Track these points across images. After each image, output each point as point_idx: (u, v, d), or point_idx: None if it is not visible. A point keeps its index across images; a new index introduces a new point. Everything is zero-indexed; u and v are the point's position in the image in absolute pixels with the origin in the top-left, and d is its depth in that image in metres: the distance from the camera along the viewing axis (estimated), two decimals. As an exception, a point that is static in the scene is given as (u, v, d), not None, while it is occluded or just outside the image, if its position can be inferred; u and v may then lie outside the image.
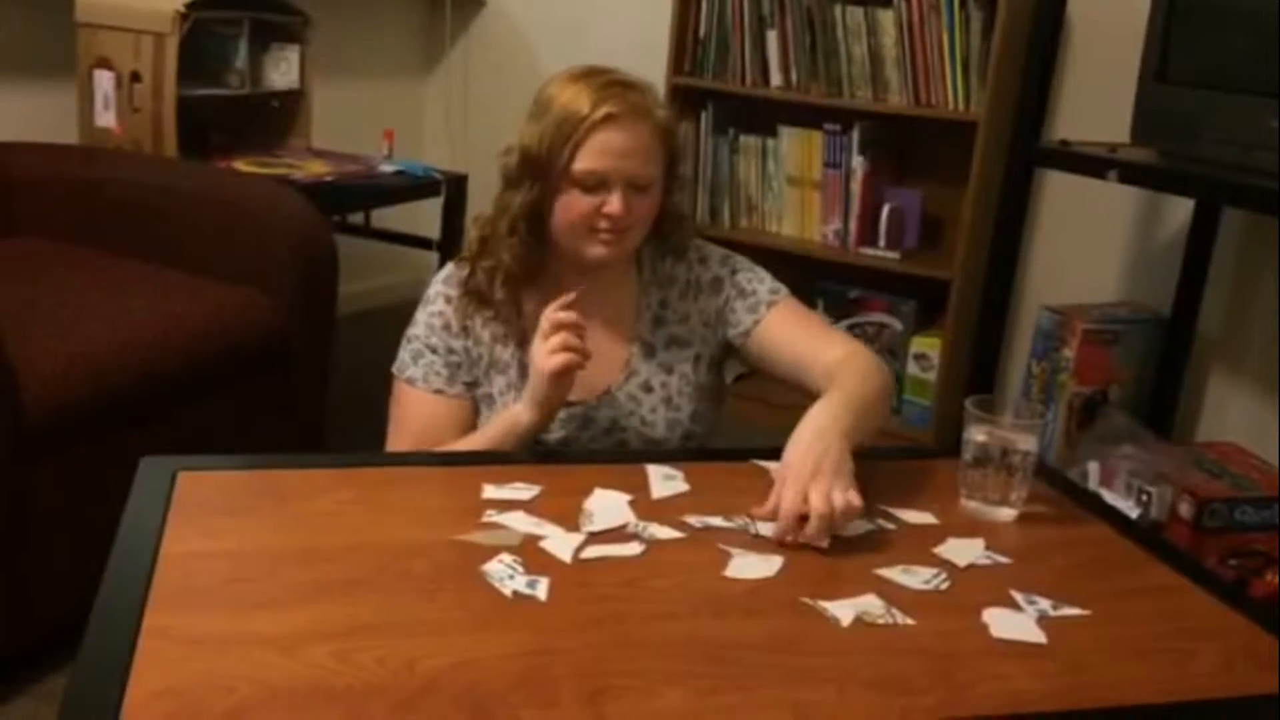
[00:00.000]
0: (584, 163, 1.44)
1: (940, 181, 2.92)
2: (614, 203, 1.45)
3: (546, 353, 1.41)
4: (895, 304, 2.95)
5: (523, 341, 1.52)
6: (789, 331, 1.56)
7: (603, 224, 1.46)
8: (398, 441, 1.56)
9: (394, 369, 1.58)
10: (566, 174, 1.45)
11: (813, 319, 1.65)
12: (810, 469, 1.23)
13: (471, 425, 1.56)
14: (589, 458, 1.47)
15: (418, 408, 1.56)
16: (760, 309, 1.58)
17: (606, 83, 1.46)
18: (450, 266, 1.59)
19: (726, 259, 1.62)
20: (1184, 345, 2.56)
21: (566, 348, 1.41)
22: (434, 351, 1.55)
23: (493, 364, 1.55)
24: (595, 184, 1.45)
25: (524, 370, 1.51)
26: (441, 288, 1.57)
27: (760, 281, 1.60)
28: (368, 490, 1.31)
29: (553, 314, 1.42)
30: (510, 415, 1.48)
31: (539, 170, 1.47)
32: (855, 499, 1.22)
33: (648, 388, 1.58)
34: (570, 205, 1.47)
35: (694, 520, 1.27)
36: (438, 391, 1.55)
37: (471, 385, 1.56)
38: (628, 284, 1.60)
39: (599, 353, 1.50)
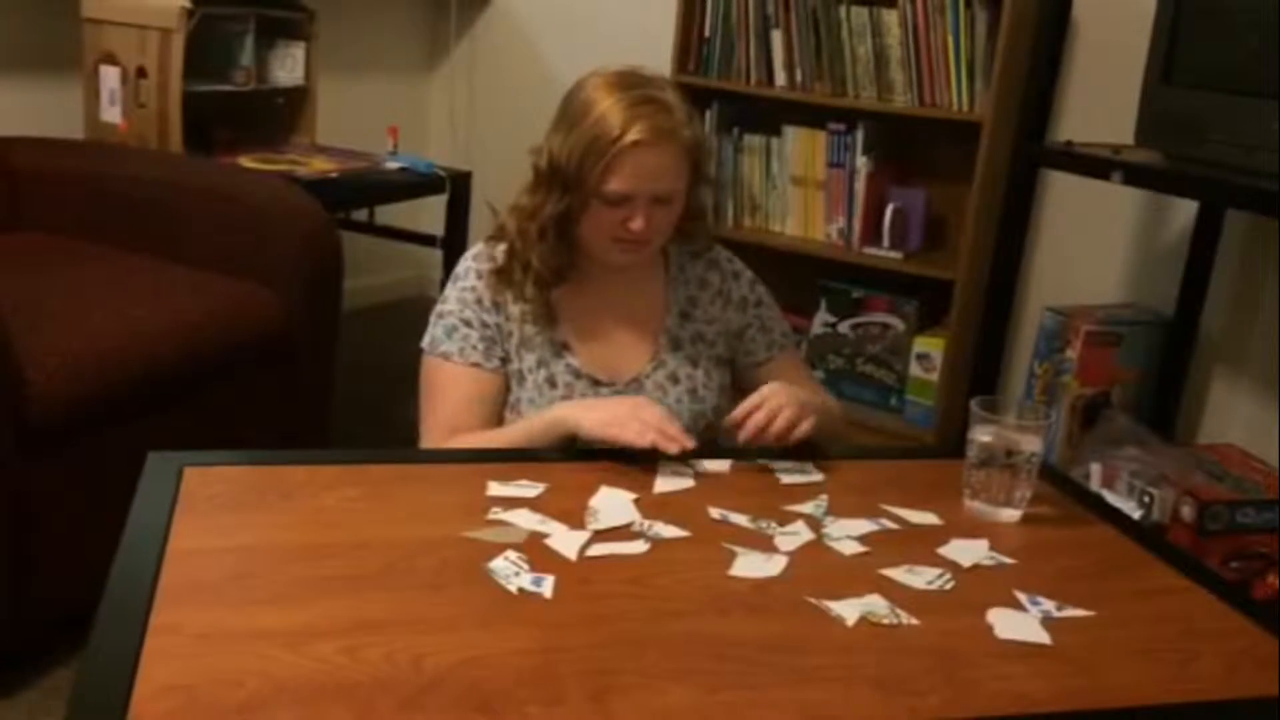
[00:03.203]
0: (611, 184, 1.48)
1: (944, 182, 2.92)
2: (638, 221, 1.50)
3: (635, 432, 1.38)
4: (898, 304, 2.95)
5: (553, 323, 1.57)
6: (787, 380, 1.63)
7: (626, 235, 1.51)
8: (435, 418, 1.57)
9: (424, 345, 1.59)
10: (594, 191, 1.49)
11: (808, 374, 1.79)
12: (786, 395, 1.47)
13: (504, 401, 1.59)
14: (595, 455, 1.46)
15: (455, 383, 1.57)
16: (774, 349, 1.70)
17: (638, 99, 1.48)
18: (480, 245, 1.62)
19: (754, 285, 1.71)
20: (1187, 347, 2.56)
21: (650, 438, 1.38)
22: (469, 325, 1.57)
23: (523, 341, 1.58)
24: (620, 200, 1.49)
25: (554, 348, 1.57)
26: (473, 264, 1.60)
27: (779, 322, 1.72)
28: (374, 487, 1.31)
29: (675, 431, 1.40)
30: (556, 419, 1.47)
31: (567, 182, 1.50)
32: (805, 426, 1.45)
33: (674, 379, 1.62)
34: (595, 218, 1.51)
35: (715, 513, 1.29)
36: (475, 365, 1.56)
37: (504, 360, 1.58)
38: (655, 279, 1.66)
39: (628, 342, 1.61)
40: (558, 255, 1.56)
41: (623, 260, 1.56)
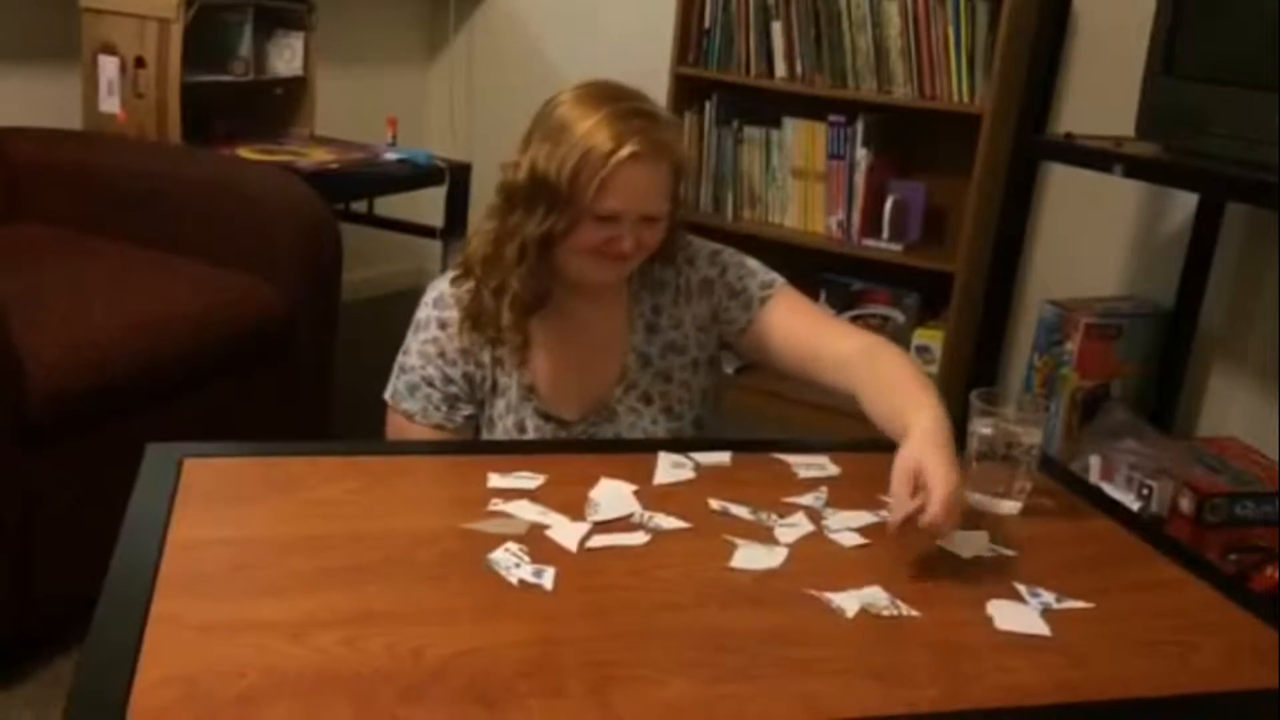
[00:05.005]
0: (606, 201, 1.38)
1: (944, 174, 2.92)
2: (626, 240, 1.41)
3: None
4: (898, 296, 2.95)
5: (523, 363, 1.51)
6: (788, 324, 1.52)
7: (611, 251, 1.43)
8: None
9: (388, 397, 1.53)
10: (586, 209, 1.39)
11: (812, 310, 1.59)
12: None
13: None
14: (595, 447, 1.47)
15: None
16: (754, 305, 1.54)
17: (626, 113, 1.39)
18: (443, 286, 1.52)
19: (714, 257, 1.57)
20: (1186, 340, 2.56)
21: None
22: (431, 384, 1.50)
23: (494, 386, 1.52)
24: (610, 217, 1.40)
25: (522, 392, 1.51)
26: (434, 311, 1.51)
27: (751, 276, 1.55)
28: (374, 479, 1.31)
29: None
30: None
31: (554, 199, 1.40)
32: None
33: (647, 399, 1.55)
34: (582, 236, 1.42)
35: (715, 505, 1.29)
36: (437, 426, 1.51)
37: (473, 413, 1.53)
38: (620, 296, 1.56)
39: (595, 373, 1.53)
40: (538, 277, 1.45)
41: (601, 278, 1.47)
